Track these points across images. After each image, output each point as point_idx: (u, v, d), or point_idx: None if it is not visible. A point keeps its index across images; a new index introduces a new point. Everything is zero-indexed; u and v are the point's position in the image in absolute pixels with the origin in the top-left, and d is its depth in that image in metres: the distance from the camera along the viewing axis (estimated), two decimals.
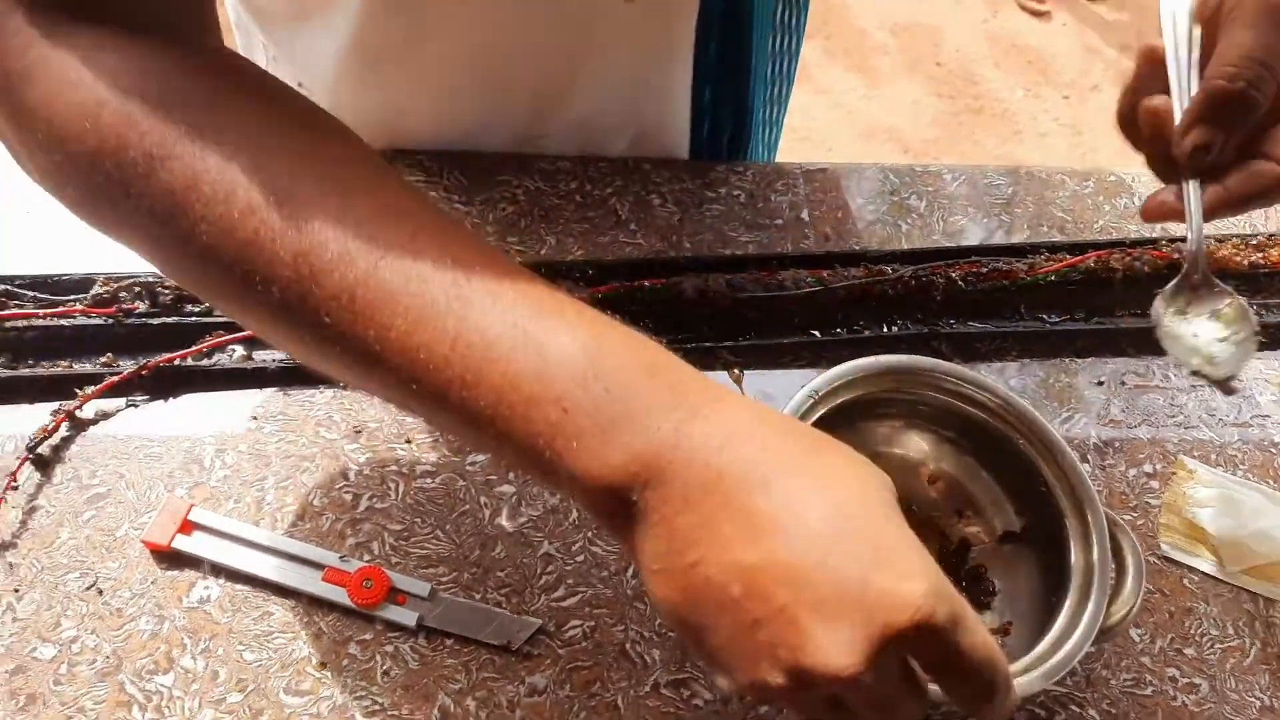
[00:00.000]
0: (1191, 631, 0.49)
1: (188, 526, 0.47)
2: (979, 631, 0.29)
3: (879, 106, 2.32)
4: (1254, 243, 0.63)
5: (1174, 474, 0.54)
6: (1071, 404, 0.57)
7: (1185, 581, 0.51)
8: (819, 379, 0.47)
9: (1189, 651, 0.49)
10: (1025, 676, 0.39)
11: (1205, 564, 0.51)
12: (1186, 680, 0.48)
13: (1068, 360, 0.59)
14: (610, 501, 0.30)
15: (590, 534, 0.50)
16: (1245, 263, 0.62)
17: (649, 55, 0.60)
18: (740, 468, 0.29)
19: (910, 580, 0.28)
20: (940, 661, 0.29)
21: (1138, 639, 0.49)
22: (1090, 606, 0.40)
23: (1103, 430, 0.56)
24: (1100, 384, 0.58)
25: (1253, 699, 0.47)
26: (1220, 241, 0.63)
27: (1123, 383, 0.58)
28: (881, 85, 2.37)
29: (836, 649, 0.27)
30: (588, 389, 0.30)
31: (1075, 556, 0.43)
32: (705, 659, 0.31)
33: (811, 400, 0.46)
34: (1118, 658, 0.48)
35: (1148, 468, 0.55)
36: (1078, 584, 0.41)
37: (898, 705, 0.30)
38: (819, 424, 0.47)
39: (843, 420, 0.49)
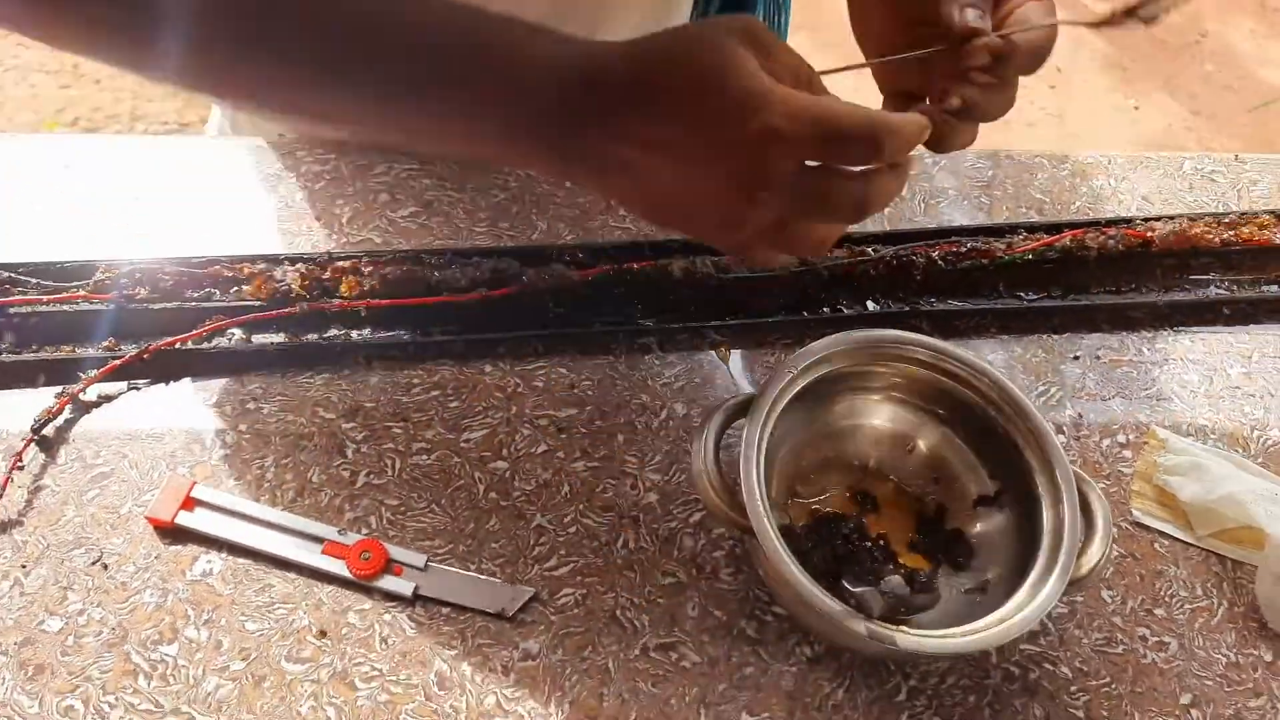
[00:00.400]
0: (1161, 593, 0.51)
1: (190, 503, 0.48)
2: (834, 106, 0.36)
3: (867, 98, 2.34)
4: (1226, 221, 0.65)
5: (1146, 443, 0.56)
6: (1048, 378, 0.59)
7: (1156, 546, 0.53)
8: (797, 354, 0.49)
9: (1159, 612, 0.51)
10: (1001, 626, 0.40)
11: (1175, 529, 0.53)
12: (1156, 639, 0.50)
13: (1044, 336, 0.61)
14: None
15: (581, 506, 0.51)
16: (1218, 240, 0.64)
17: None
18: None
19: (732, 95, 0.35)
20: (820, 146, 0.36)
21: (1109, 600, 0.51)
22: (1061, 560, 0.42)
23: (1078, 403, 0.58)
24: (1076, 358, 0.60)
25: (1219, 656, 0.49)
26: (1193, 220, 0.64)
27: (1097, 357, 0.60)
28: (870, 76, 2.38)
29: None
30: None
31: (1046, 514, 0.44)
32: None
33: (791, 375, 0.48)
34: (1090, 618, 0.50)
35: (1120, 438, 0.56)
36: (1049, 540, 0.43)
37: (833, 189, 0.38)
38: (799, 397, 0.48)
39: (823, 394, 0.50)
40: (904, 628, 0.43)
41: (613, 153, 0.37)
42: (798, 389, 0.48)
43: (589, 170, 0.39)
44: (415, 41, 0.37)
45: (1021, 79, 0.45)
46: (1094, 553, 0.43)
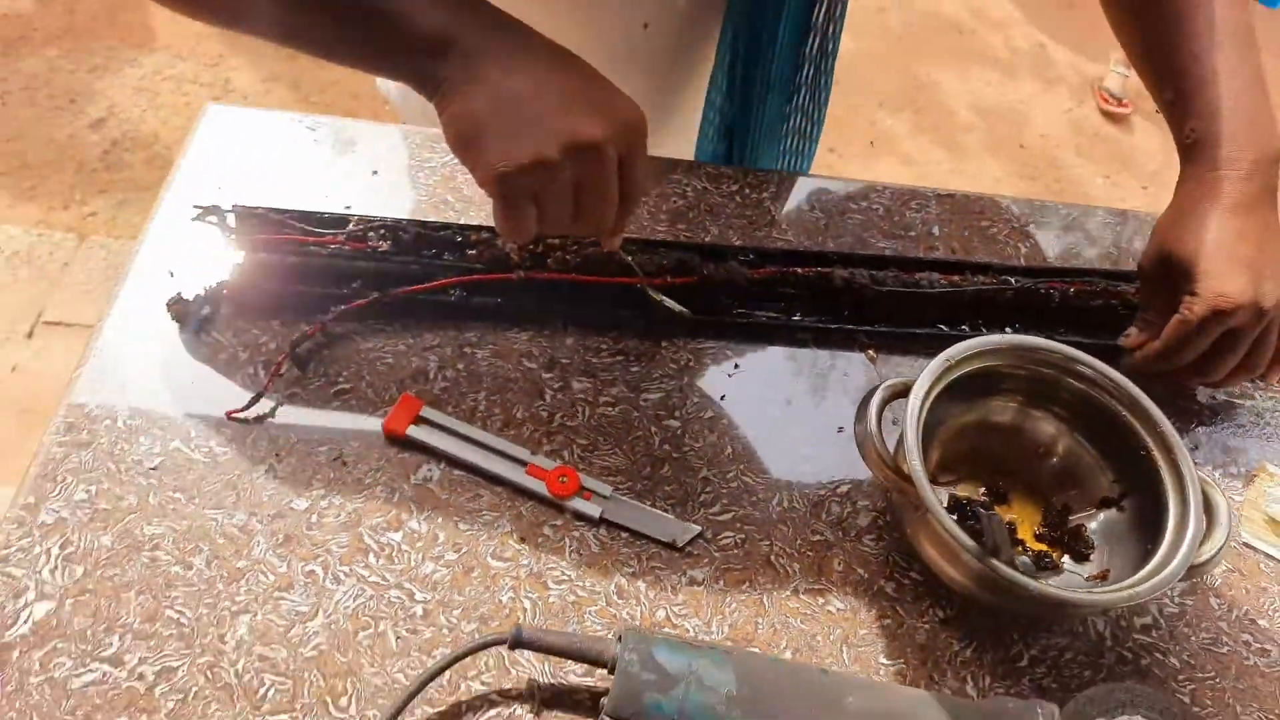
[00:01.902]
0: (1265, 607, 0.56)
1: (419, 420, 0.57)
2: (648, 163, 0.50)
3: (962, 182, 2.42)
4: None
5: (1256, 475, 0.61)
6: (1167, 410, 0.64)
7: (1262, 566, 0.58)
8: (953, 348, 0.56)
9: (1262, 623, 0.55)
10: (1128, 590, 0.46)
11: None
12: (1259, 645, 0.54)
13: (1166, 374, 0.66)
14: (434, 48, 0.47)
15: (743, 466, 0.59)
16: None
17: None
18: (532, 46, 0.49)
19: (626, 102, 0.48)
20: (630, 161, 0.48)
21: (1216, 606, 0.56)
22: (1184, 545, 0.48)
23: (1194, 434, 0.63)
24: (1193, 394, 0.65)
25: None
26: None
27: (1214, 395, 0.65)
28: (966, 161, 2.47)
29: (591, 124, 0.46)
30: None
31: (1172, 511, 0.50)
32: (487, 164, 0.46)
33: (947, 364, 0.55)
34: (1198, 619, 0.55)
35: (1233, 469, 0.62)
36: (1172, 531, 0.49)
37: (608, 189, 0.49)
38: (948, 389, 0.55)
39: (969, 390, 0.57)
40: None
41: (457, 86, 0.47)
42: (949, 380, 0.55)
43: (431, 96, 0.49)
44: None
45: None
46: (1215, 542, 0.49)
